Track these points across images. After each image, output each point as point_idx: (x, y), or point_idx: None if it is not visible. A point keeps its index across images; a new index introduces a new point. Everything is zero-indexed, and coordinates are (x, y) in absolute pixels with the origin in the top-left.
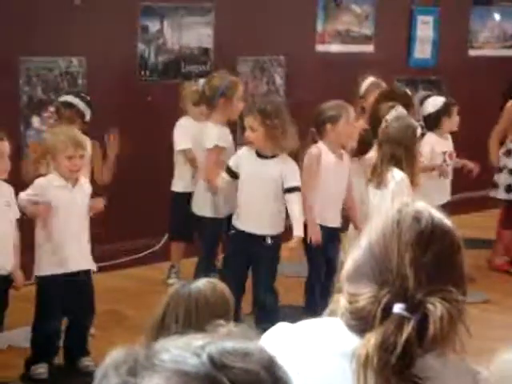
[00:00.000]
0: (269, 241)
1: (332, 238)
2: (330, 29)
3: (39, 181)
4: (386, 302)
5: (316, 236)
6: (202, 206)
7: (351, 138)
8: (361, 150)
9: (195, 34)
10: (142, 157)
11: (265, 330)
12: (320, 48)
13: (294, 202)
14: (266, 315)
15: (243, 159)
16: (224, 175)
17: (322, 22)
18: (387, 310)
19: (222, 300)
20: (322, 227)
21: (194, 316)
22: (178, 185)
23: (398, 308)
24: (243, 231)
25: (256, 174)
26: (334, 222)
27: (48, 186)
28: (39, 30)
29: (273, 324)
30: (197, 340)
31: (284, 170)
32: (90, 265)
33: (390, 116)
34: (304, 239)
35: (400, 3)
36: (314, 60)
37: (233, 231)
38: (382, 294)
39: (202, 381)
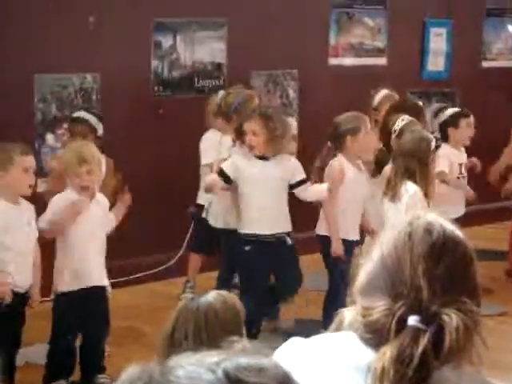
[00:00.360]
0: (289, 241)
1: (351, 250)
2: (342, 42)
3: (55, 199)
4: (400, 315)
5: (339, 251)
6: (216, 218)
7: (370, 149)
8: (378, 169)
9: (208, 48)
10: (155, 171)
11: None
12: (333, 61)
13: (306, 189)
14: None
15: (242, 163)
16: (217, 178)
17: (334, 35)
18: (402, 323)
19: (233, 313)
20: (343, 240)
21: (204, 331)
22: (203, 198)
23: (412, 320)
24: (259, 235)
25: (263, 175)
26: (354, 234)
27: (64, 201)
28: (53, 48)
29: None
30: (211, 356)
31: (288, 166)
32: (105, 281)
33: (398, 126)
34: (324, 253)
35: (413, 15)
36: (327, 73)
37: (248, 244)
38: (396, 306)
39: None
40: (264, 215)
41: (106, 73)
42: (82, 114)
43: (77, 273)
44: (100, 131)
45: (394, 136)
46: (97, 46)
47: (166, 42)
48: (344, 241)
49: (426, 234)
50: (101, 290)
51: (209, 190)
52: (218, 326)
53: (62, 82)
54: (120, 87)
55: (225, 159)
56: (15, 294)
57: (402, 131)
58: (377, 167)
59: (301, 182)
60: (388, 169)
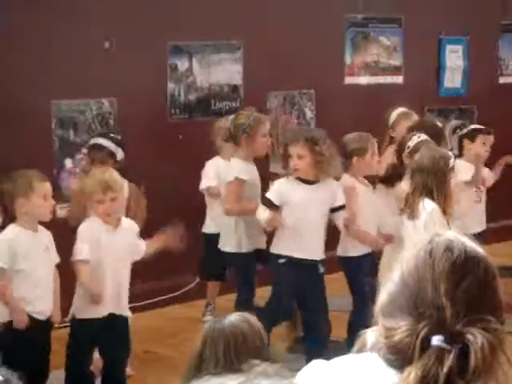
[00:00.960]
0: (321, 269)
1: (363, 266)
2: (358, 61)
3: (82, 229)
4: (424, 335)
5: (376, 241)
6: (225, 242)
7: (372, 172)
8: (389, 181)
9: (224, 71)
10: (173, 194)
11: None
12: (349, 80)
13: (342, 216)
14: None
15: (288, 188)
16: (263, 207)
17: (350, 55)
18: (425, 343)
19: (258, 334)
20: (361, 257)
21: (233, 351)
22: (208, 225)
23: (436, 340)
24: (294, 258)
25: (309, 199)
26: (367, 250)
27: (93, 229)
28: (69, 73)
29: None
30: (232, 380)
31: (333, 191)
32: (127, 310)
33: (412, 143)
34: (346, 274)
35: (428, 33)
36: (343, 92)
37: (282, 260)
38: (419, 326)
39: None
40: (305, 240)
41: (123, 97)
42: (99, 140)
43: (106, 301)
44: (119, 156)
45: (406, 152)
46: (113, 71)
47: (182, 65)
48: (358, 257)
49: (447, 252)
50: (122, 318)
51: (272, 227)
52: (245, 347)
53: (79, 107)
54: (137, 111)
55: (244, 180)
56: (36, 321)
57: (415, 149)
58: (388, 178)
59: (340, 208)
60: (402, 186)
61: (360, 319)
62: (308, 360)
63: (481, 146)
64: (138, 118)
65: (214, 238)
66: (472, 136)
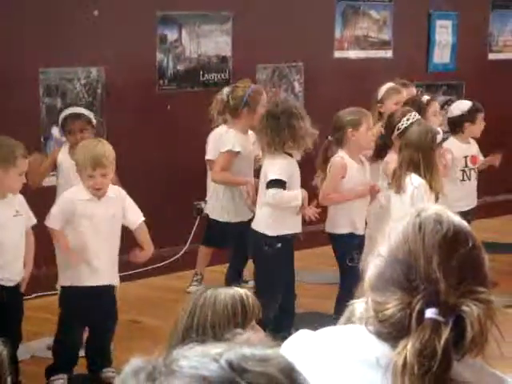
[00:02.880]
0: (301, 237)
1: (359, 245)
2: (348, 35)
3: (65, 194)
4: (419, 308)
5: (361, 192)
6: (212, 210)
7: (369, 147)
8: (376, 154)
9: (213, 42)
10: (161, 165)
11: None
12: (338, 54)
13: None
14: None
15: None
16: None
17: (340, 28)
18: (420, 316)
19: (249, 309)
20: (352, 235)
21: (222, 325)
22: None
23: (431, 313)
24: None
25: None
26: (362, 229)
27: (73, 199)
28: (58, 41)
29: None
30: (215, 348)
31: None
32: (115, 280)
33: (403, 125)
34: (335, 251)
35: (418, 8)
36: (332, 66)
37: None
38: (414, 300)
39: None
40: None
41: (111, 66)
42: (75, 109)
43: (79, 270)
44: (94, 120)
45: (396, 133)
46: (102, 40)
47: (172, 35)
48: (352, 235)
49: (437, 225)
50: (109, 287)
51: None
52: (234, 322)
53: (67, 75)
54: (125, 81)
55: (237, 152)
56: (5, 288)
57: (406, 130)
58: (376, 151)
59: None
60: (387, 161)
61: (348, 296)
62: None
63: (481, 124)
64: (126, 88)
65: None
66: (473, 117)
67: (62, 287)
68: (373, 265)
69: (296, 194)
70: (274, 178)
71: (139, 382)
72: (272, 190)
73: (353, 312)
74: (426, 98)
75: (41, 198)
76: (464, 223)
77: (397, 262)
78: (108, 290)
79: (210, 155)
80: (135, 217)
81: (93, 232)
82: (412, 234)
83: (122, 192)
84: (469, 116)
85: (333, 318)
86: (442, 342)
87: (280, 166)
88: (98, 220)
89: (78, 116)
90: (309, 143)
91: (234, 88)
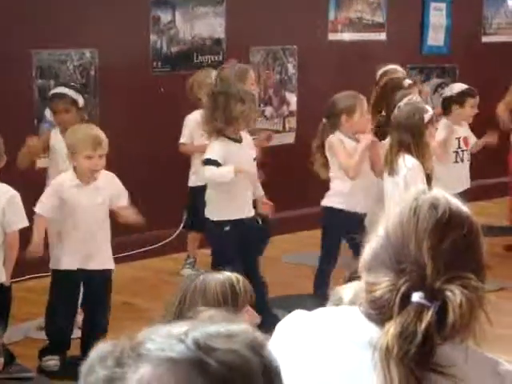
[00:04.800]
0: (260, 221)
1: (361, 223)
2: (342, 17)
3: (53, 181)
4: (404, 291)
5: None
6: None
7: (364, 130)
8: (378, 135)
9: (207, 24)
10: (155, 149)
11: None
12: (332, 37)
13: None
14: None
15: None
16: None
17: (333, 11)
18: (406, 299)
19: (240, 295)
20: (352, 213)
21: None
22: (191, 178)
23: (416, 296)
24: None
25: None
26: (363, 207)
27: (63, 184)
28: (51, 23)
29: None
30: (179, 327)
31: None
32: (108, 264)
33: (403, 103)
34: (323, 224)
35: None
36: (326, 49)
37: (227, 227)
38: (400, 282)
39: (190, 365)
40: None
41: (104, 48)
42: (60, 89)
43: (75, 254)
44: (81, 103)
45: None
46: (95, 21)
47: (165, 17)
48: (352, 213)
49: (432, 210)
50: (103, 271)
51: None
52: (224, 309)
53: (60, 57)
54: (118, 63)
55: None
56: None
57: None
58: (377, 132)
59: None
60: (386, 143)
61: (325, 275)
62: None
63: (470, 110)
64: (120, 70)
65: (197, 190)
66: (461, 101)
67: (52, 270)
68: (369, 246)
69: (229, 168)
70: (207, 157)
71: (107, 368)
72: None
73: (341, 297)
74: (407, 81)
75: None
76: (462, 208)
77: (390, 243)
78: (101, 275)
79: (181, 139)
80: (120, 202)
81: (81, 218)
82: (407, 217)
83: (110, 177)
84: (457, 98)
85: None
86: (423, 325)
87: (213, 147)
88: (86, 206)
89: (63, 95)
90: (242, 125)
91: (220, 69)
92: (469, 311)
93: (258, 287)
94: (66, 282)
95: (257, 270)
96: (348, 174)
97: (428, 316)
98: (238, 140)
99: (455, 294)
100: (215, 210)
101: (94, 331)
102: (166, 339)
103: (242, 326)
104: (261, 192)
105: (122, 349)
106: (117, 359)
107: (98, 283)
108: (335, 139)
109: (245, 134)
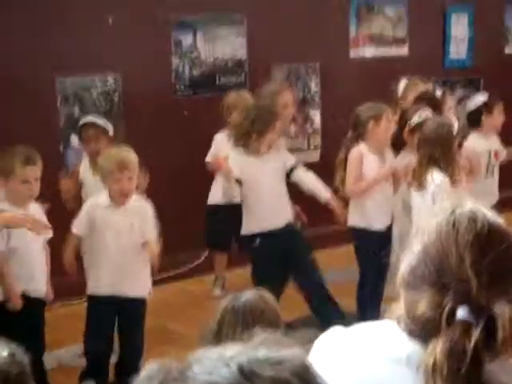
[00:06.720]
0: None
1: (385, 240)
2: (363, 33)
3: (88, 201)
4: (449, 308)
5: (385, 173)
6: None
7: (387, 142)
8: (392, 150)
9: (228, 45)
10: (180, 171)
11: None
12: (354, 53)
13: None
14: None
15: None
16: None
17: (354, 27)
18: (451, 316)
19: (274, 311)
20: (373, 232)
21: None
22: (212, 196)
23: (462, 313)
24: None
25: None
26: (381, 224)
27: (94, 205)
28: (74, 49)
29: None
30: (229, 350)
31: None
32: (140, 291)
33: (414, 122)
34: (356, 245)
35: (433, 2)
36: (348, 65)
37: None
38: (445, 299)
39: None
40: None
41: (127, 73)
42: (89, 118)
43: (104, 278)
44: (111, 132)
45: (407, 129)
46: (117, 47)
47: (187, 40)
48: (373, 231)
49: (471, 223)
50: (133, 299)
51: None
52: (262, 325)
53: (84, 83)
54: (141, 87)
55: None
56: (27, 299)
57: (417, 127)
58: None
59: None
60: (402, 158)
61: (367, 294)
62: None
63: (499, 116)
64: (143, 95)
65: (217, 208)
66: (490, 109)
67: (88, 296)
68: (406, 262)
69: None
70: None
71: None
72: None
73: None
74: (438, 93)
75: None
76: (499, 221)
77: (429, 259)
78: (132, 302)
79: (207, 158)
80: (145, 233)
81: (112, 240)
82: (445, 231)
83: (146, 204)
84: (485, 107)
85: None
86: (472, 342)
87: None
88: (117, 228)
89: (93, 125)
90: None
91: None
92: None
93: (313, 290)
94: (96, 307)
95: (306, 273)
96: (346, 193)
97: (476, 333)
98: (257, 152)
99: (503, 310)
100: (243, 225)
101: (131, 356)
102: (214, 362)
103: (293, 351)
104: (326, 194)
105: (169, 370)
106: (162, 380)
107: (128, 310)
108: (356, 153)
109: (277, 149)
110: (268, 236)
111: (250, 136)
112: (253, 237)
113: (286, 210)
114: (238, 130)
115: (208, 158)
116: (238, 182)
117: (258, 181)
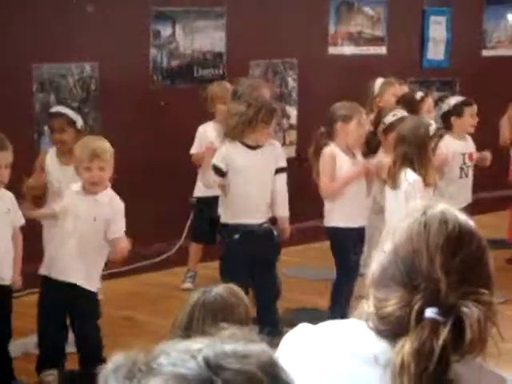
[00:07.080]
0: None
1: (359, 238)
2: (342, 31)
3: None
4: (418, 307)
5: (358, 172)
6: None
7: (356, 144)
8: (366, 151)
9: (207, 38)
10: (155, 162)
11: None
12: (332, 50)
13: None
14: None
15: None
16: None
17: (334, 25)
18: (420, 316)
19: (244, 306)
20: (349, 229)
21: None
22: (197, 189)
23: (431, 312)
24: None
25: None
26: (360, 221)
27: (70, 188)
28: (52, 37)
29: None
30: (197, 343)
31: None
32: (89, 284)
33: (387, 121)
34: (332, 245)
35: (412, 4)
36: (326, 62)
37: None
38: (414, 298)
39: (198, 382)
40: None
41: (105, 62)
42: (58, 108)
43: (50, 260)
44: (79, 124)
45: (381, 128)
46: (95, 35)
47: (165, 31)
48: (349, 229)
49: (442, 225)
50: (84, 289)
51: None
52: (231, 320)
53: (61, 71)
54: (119, 76)
55: None
56: None
57: (391, 126)
58: (365, 148)
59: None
60: (379, 158)
61: (343, 291)
62: None
63: (469, 119)
64: (120, 84)
65: (204, 200)
66: (459, 112)
67: (40, 276)
68: (376, 261)
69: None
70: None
71: (118, 379)
72: None
73: (361, 312)
74: (419, 94)
75: None
76: (470, 223)
77: (400, 259)
78: (83, 291)
79: (195, 149)
80: (116, 230)
81: (70, 225)
82: (416, 232)
83: (117, 202)
84: (454, 110)
85: (328, 314)
86: (440, 342)
87: (220, 150)
88: (78, 215)
89: (61, 115)
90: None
91: (237, 82)
92: (485, 327)
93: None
94: (48, 290)
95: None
96: (322, 194)
97: (444, 332)
98: (253, 147)
99: (471, 310)
100: (228, 213)
101: (85, 345)
102: (181, 354)
103: (261, 346)
104: (284, 213)
105: (135, 361)
106: (128, 371)
107: (79, 299)
108: (327, 155)
109: (272, 145)
110: (249, 233)
111: (250, 125)
112: (235, 227)
113: (267, 206)
114: (239, 118)
115: (193, 150)
116: (216, 170)
117: (249, 170)
